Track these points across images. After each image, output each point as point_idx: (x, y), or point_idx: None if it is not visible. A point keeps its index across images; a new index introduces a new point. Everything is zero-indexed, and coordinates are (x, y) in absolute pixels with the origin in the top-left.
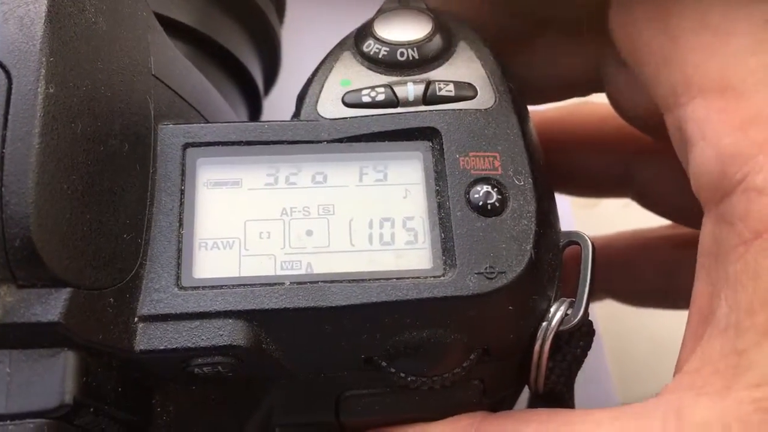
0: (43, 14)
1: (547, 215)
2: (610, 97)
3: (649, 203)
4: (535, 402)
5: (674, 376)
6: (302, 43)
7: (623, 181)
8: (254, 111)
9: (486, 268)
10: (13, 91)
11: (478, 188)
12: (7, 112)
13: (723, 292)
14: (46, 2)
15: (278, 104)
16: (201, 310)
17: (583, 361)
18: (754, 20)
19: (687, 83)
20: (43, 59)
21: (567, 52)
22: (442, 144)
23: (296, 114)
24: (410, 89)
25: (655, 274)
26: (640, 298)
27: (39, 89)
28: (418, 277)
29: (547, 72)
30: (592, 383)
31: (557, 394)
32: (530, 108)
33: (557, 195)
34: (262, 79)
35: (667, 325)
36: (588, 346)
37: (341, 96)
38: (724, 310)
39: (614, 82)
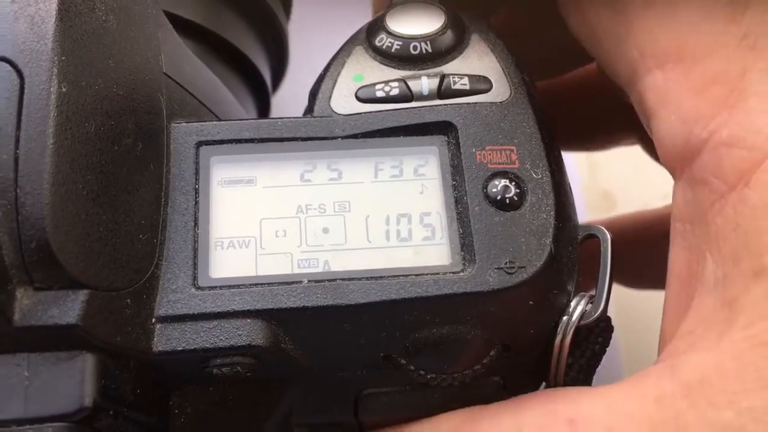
0: (54, 13)
1: (565, 208)
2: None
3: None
4: None
5: (660, 347)
6: (309, 39)
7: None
8: (263, 107)
9: (506, 263)
10: (25, 90)
11: (496, 182)
12: (20, 113)
13: (707, 251)
14: (56, 1)
15: (286, 100)
16: (219, 310)
17: (601, 358)
18: None
19: (642, 57)
20: (55, 58)
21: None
22: (458, 138)
23: (309, 110)
24: (424, 83)
25: (656, 254)
26: (641, 279)
27: (52, 89)
28: (437, 273)
29: (541, 42)
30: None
31: None
32: None
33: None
34: (270, 76)
35: None
36: (606, 342)
37: (354, 91)
38: (710, 268)
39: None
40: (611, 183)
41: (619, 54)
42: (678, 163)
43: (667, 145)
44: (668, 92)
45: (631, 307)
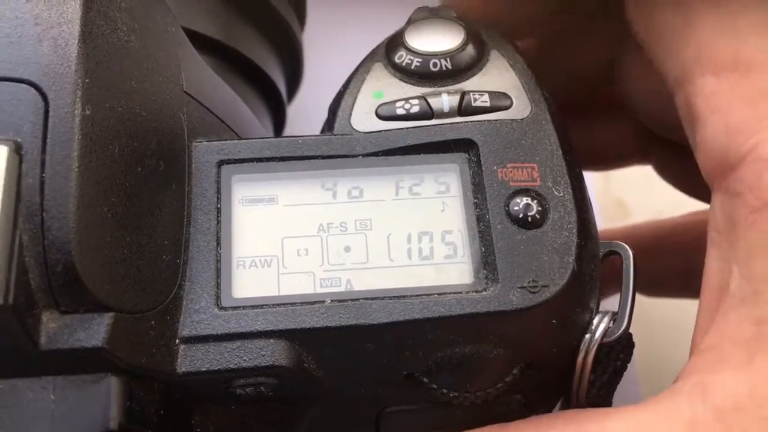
0: (77, 35)
1: (587, 225)
2: (623, 93)
3: (667, 174)
4: None
5: (690, 357)
6: (324, 47)
7: (645, 148)
8: (279, 119)
9: (529, 282)
10: (50, 114)
11: (518, 200)
12: (45, 136)
13: (735, 264)
14: (79, 22)
15: (302, 110)
16: (242, 331)
17: (623, 374)
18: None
19: (697, 59)
20: (79, 81)
21: (580, 42)
22: (479, 156)
23: (329, 127)
24: (445, 100)
25: (673, 263)
26: (659, 288)
27: (76, 111)
28: (460, 293)
29: (560, 65)
30: (619, 394)
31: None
32: None
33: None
34: (286, 87)
35: None
36: (628, 358)
37: (375, 108)
38: (737, 282)
39: (627, 74)
40: (625, 191)
41: (675, 53)
42: (716, 171)
43: (707, 153)
44: (718, 99)
45: (646, 315)
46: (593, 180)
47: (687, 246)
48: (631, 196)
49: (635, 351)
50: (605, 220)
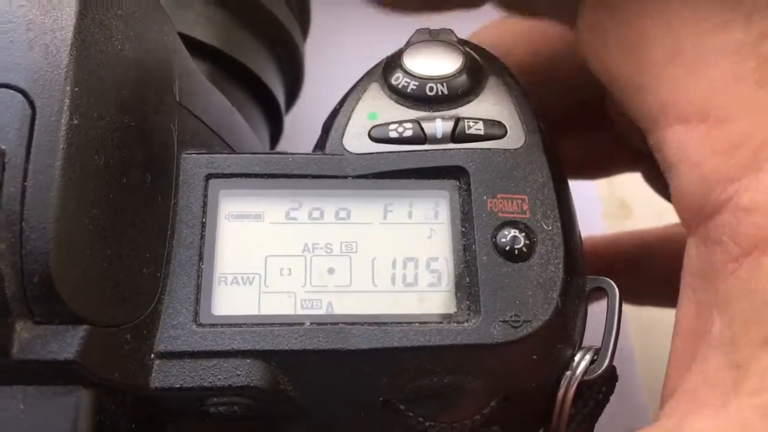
0: (69, 42)
1: (574, 261)
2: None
3: (653, 183)
4: None
5: (663, 400)
6: (326, 60)
7: (632, 158)
8: (275, 130)
9: (511, 316)
10: (36, 122)
11: (506, 232)
12: (30, 144)
13: (715, 309)
14: (72, 29)
15: (300, 122)
16: (219, 349)
17: (604, 407)
18: (728, 48)
19: (664, 111)
20: (68, 89)
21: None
22: (470, 184)
23: (321, 145)
24: (438, 126)
25: (656, 273)
26: (643, 296)
27: (63, 120)
28: (441, 322)
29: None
30: (623, 401)
31: None
32: None
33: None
34: (284, 96)
35: None
36: (610, 391)
37: (368, 130)
38: (717, 328)
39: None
40: (627, 192)
41: (640, 102)
42: (693, 218)
43: (684, 200)
44: (689, 149)
45: (647, 323)
46: (596, 180)
47: (669, 256)
48: (634, 197)
49: (637, 361)
50: (608, 220)
